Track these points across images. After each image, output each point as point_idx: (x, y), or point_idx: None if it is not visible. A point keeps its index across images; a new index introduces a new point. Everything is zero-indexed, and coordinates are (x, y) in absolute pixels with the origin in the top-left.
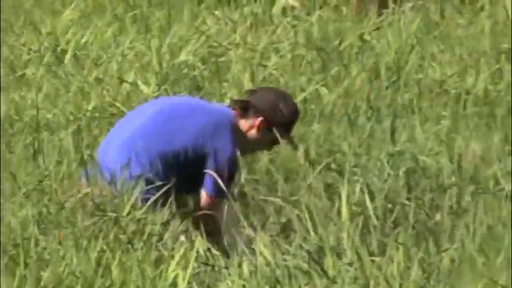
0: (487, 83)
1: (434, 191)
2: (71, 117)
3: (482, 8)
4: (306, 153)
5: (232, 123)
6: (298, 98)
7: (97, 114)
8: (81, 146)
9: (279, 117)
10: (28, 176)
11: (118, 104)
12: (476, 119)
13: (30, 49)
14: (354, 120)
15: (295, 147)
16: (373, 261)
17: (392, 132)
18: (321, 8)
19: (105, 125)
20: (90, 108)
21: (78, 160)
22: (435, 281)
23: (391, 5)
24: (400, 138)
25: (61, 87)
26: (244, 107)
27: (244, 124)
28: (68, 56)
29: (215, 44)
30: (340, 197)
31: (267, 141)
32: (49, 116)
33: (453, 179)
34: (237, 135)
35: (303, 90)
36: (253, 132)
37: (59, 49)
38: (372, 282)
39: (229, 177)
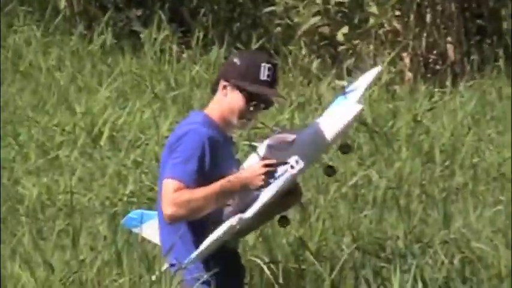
0: None
1: (491, 280)
2: (107, 202)
3: None
4: (355, 240)
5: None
6: (349, 183)
7: (135, 200)
8: (117, 233)
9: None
10: (64, 265)
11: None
12: None
13: (63, 130)
14: (405, 207)
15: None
16: None
17: (446, 218)
18: (372, 86)
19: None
20: (127, 192)
21: (114, 248)
22: None
23: (446, 83)
24: (454, 224)
25: (96, 171)
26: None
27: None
28: (103, 137)
29: (260, 125)
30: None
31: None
32: (83, 200)
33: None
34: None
35: (353, 174)
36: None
37: (94, 130)
38: None
39: None
